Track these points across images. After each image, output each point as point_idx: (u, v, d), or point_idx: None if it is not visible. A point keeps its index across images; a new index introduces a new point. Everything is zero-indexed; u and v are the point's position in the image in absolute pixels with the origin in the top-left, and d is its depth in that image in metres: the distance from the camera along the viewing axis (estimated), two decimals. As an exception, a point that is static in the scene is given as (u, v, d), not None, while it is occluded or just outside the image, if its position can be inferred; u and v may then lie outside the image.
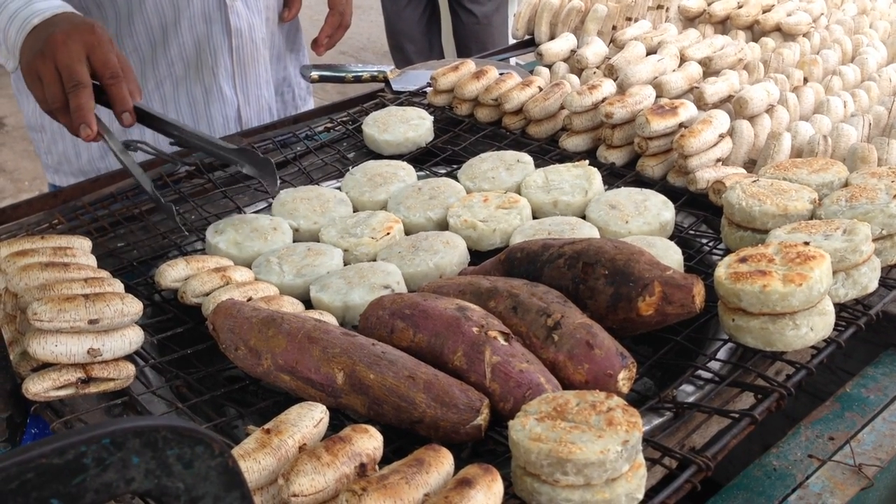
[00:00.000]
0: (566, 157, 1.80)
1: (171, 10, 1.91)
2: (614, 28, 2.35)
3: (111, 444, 0.52)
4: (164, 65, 1.97)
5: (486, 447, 1.15)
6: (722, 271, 1.18)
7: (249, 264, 1.49)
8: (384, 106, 2.07)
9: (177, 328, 1.37)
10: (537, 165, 1.72)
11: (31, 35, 1.56)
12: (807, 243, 1.20)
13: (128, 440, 0.52)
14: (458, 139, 1.93)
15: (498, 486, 0.89)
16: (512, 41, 2.61)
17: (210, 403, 1.23)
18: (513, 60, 2.55)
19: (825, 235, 1.25)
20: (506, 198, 1.58)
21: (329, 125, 2.04)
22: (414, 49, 5.17)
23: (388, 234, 1.53)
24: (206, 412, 1.21)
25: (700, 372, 1.20)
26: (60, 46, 1.48)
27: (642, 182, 1.69)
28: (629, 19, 2.37)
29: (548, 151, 1.83)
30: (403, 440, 1.11)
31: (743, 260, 1.19)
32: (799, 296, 1.12)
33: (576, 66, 2.11)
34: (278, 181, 1.59)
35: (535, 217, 1.58)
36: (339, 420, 1.15)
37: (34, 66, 1.51)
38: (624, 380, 1.10)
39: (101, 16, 1.89)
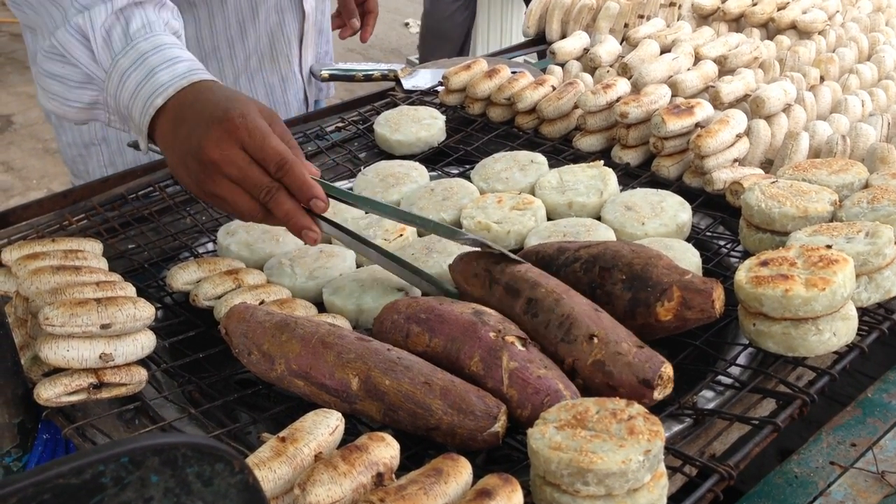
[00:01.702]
0: (580, 156, 1.79)
1: (248, 4, 1.91)
2: (626, 26, 2.33)
3: (130, 463, 0.50)
4: (242, 58, 1.96)
5: (501, 453, 1.14)
6: (743, 275, 1.16)
7: (261, 266, 1.47)
8: (395, 105, 2.05)
9: (189, 332, 1.36)
10: (551, 165, 1.70)
11: (160, 121, 1.33)
12: (829, 246, 1.18)
13: (147, 458, 0.51)
14: (470, 139, 1.91)
15: (518, 497, 0.87)
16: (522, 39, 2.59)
17: (222, 408, 1.22)
18: (520, 59, 2.53)
19: (847, 238, 1.22)
20: (520, 199, 1.56)
21: (340, 125, 2.02)
22: (449, 48, 5.12)
23: (401, 235, 1.51)
24: (218, 417, 1.20)
25: (720, 377, 1.19)
26: (221, 161, 1.26)
27: (658, 182, 1.67)
28: (641, 17, 2.35)
29: (561, 151, 1.82)
30: (419, 447, 1.10)
31: (764, 263, 1.17)
32: (822, 300, 1.10)
33: (589, 64, 2.09)
34: None
35: (549, 218, 1.56)
36: (354, 426, 1.14)
37: (206, 189, 1.29)
38: (660, 396, 1.08)
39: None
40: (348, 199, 1.38)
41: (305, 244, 1.32)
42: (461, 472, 0.90)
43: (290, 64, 2.07)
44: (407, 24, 7.73)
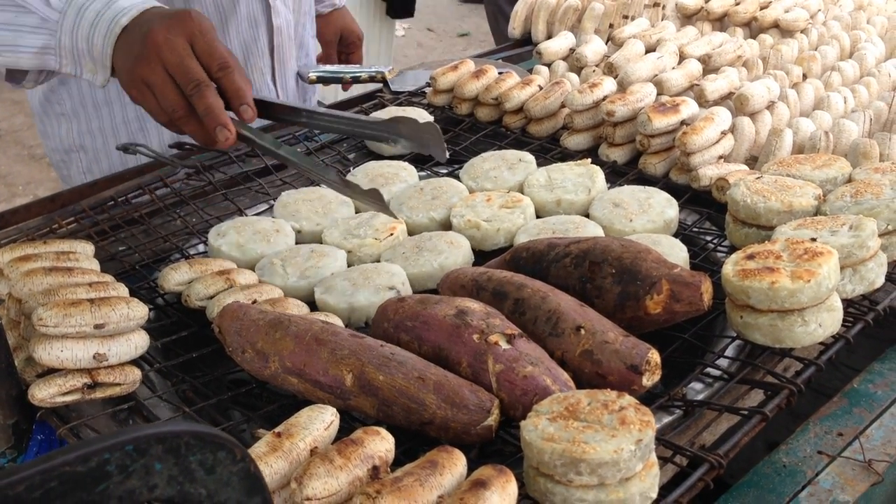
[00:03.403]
0: (567, 155, 1.80)
1: (217, 17, 1.91)
2: (611, 26, 2.35)
3: (134, 451, 0.51)
4: None
5: (493, 447, 1.14)
6: (730, 268, 1.18)
7: (252, 267, 1.48)
8: (384, 106, 2.06)
9: (181, 332, 1.36)
10: (539, 164, 1.72)
11: (121, 39, 1.36)
12: (814, 240, 1.20)
13: (151, 446, 0.52)
14: (458, 139, 1.93)
15: (512, 487, 0.89)
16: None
17: (216, 407, 1.22)
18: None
19: (831, 231, 1.24)
20: (509, 197, 1.57)
21: (328, 126, 2.03)
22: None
23: (392, 234, 1.52)
24: (212, 416, 1.20)
25: (708, 369, 1.20)
26: (163, 45, 1.29)
27: (645, 180, 1.69)
28: (626, 17, 2.37)
29: (549, 150, 1.83)
30: (413, 441, 1.10)
31: (750, 257, 1.18)
32: (808, 292, 1.11)
33: (575, 64, 2.11)
34: (446, 150, 1.44)
35: (538, 216, 1.58)
36: (348, 422, 1.15)
37: (138, 73, 1.32)
38: (648, 382, 1.10)
39: None
40: (287, 112, 1.42)
41: (216, 145, 1.34)
42: (456, 464, 0.91)
43: (263, 76, 2.07)
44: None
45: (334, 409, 1.01)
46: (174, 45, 1.29)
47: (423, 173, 1.80)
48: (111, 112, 1.96)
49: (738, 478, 1.15)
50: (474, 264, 1.48)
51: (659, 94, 1.82)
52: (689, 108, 1.70)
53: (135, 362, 1.19)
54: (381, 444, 0.95)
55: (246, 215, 1.67)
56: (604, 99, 1.78)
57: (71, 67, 1.46)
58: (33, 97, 2.03)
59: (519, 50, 2.51)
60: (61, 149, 2.05)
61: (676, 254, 1.37)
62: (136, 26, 1.35)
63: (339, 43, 2.51)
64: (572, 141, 1.82)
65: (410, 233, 1.58)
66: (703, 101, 1.79)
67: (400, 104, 2.06)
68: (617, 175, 1.72)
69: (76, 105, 1.97)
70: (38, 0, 1.43)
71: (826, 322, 1.15)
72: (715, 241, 1.51)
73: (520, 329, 1.15)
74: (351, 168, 1.80)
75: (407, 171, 1.75)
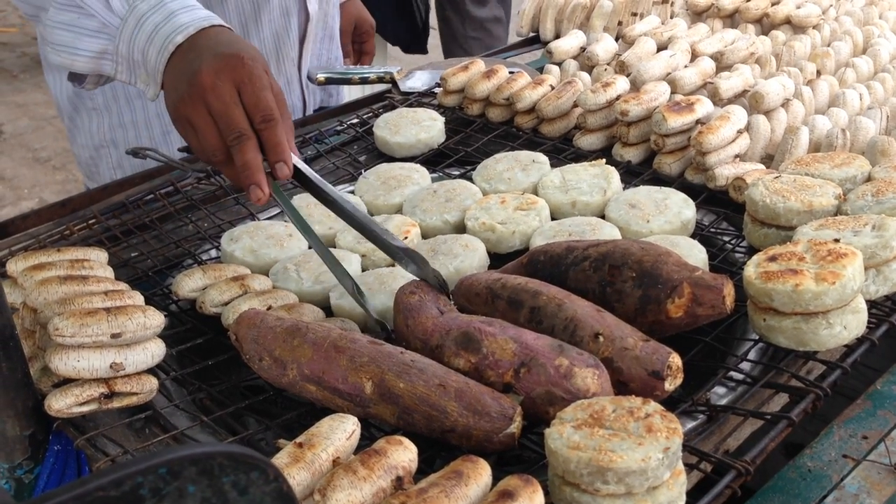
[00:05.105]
0: (580, 155, 1.79)
1: (250, 6, 1.91)
2: (620, 24, 2.33)
3: (167, 474, 0.50)
4: None
5: (511, 453, 1.13)
6: (752, 271, 1.16)
7: (266, 272, 1.47)
8: (394, 107, 2.05)
9: (196, 339, 1.35)
10: (552, 165, 1.70)
11: (174, 59, 1.34)
12: (837, 240, 1.18)
13: (184, 469, 0.51)
14: (470, 140, 1.91)
15: (539, 498, 0.87)
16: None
17: (233, 415, 1.21)
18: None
19: (854, 232, 1.23)
20: (524, 199, 1.56)
21: (339, 128, 2.02)
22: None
23: (406, 237, 1.51)
24: (230, 425, 1.19)
25: (731, 373, 1.19)
26: (210, 90, 1.25)
27: (659, 180, 1.67)
28: (635, 14, 2.35)
29: (562, 150, 1.82)
30: (433, 449, 1.09)
31: (772, 259, 1.17)
32: (832, 294, 1.10)
33: (586, 63, 2.10)
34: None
35: (553, 218, 1.56)
36: (367, 430, 1.13)
37: (182, 111, 1.29)
38: (671, 386, 1.08)
39: None
40: (316, 190, 1.34)
41: (248, 199, 1.30)
42: (481, 474, 0.90)
43: (295, 67, 2.09)
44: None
45: (356, 419, 1.00)
46: (221, 91, 1.25)
47: (434, 175, 1.78)
48: (144, 105, 1.96)
49: (756, 480, 1.14)
50: (490, 267, 1.46)
51: (672, 92, 1.80)
52: (704, 106, 1.68)
53: (151, 371, 1.18)
54: (405, 454, 0.93)
55: (258, 220, 1.66)
56: (617, 98, 1.77)
57: (126, 75, 1.46)
58: (62, 94, 2.03)
59: (527, 49, 2.50)
60: (91, 145, 2.05)
61: (695, 255, 1.35)
62: (188, 53, 1.33)
63: (353, 32, 2.53)
64: (585, 141, 1.81)
65: (424, 236, 1.56)
66: (717, 100, 1.78)
67: (410, 105, 2.05)
68: (631, 175, 1.71)
69: (108, 99, 1.98)
70: (99, 4, 1.42)
71: (851, 324, 1.14)
72: (733, 241, 1.50)
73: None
74: (363, 171, 1.79)
75: (419, 172, 1.74)
